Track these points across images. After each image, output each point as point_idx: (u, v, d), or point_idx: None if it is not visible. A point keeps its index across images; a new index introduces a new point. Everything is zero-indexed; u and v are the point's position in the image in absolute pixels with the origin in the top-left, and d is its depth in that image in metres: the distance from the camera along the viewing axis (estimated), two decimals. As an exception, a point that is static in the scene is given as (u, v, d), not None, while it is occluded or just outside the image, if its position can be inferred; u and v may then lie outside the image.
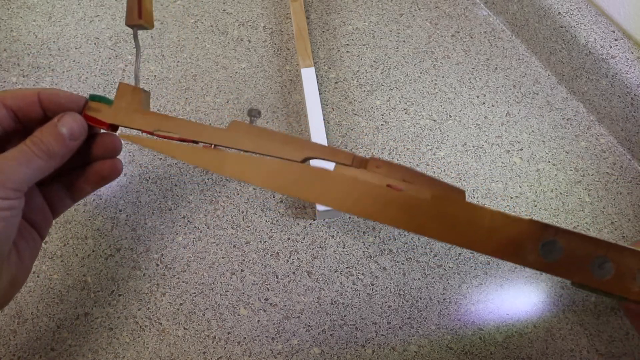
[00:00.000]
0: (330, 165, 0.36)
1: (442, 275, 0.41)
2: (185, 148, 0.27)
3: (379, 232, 0.42)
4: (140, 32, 0.54)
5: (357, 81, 0.51)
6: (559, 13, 0.49)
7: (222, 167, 0.26)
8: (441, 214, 0.24)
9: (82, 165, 0.30)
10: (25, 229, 0.28)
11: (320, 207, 0.41)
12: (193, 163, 0.26)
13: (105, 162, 0.29)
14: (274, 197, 0.44)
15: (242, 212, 0.43)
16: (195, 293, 0.40)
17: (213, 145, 0.28)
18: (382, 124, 0.48)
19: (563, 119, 0.49)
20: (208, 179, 0.45)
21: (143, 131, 0.28)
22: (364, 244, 0.42)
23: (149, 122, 0.28)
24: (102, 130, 0.29)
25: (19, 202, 0.24)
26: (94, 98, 0.28)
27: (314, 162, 0.44)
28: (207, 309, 0.39)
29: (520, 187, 0.45)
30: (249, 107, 0.33)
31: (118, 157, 0.31)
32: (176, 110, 0.49)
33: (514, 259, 0.23)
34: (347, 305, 0.39)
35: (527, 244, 0.23)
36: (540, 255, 0.23)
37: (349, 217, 0.43)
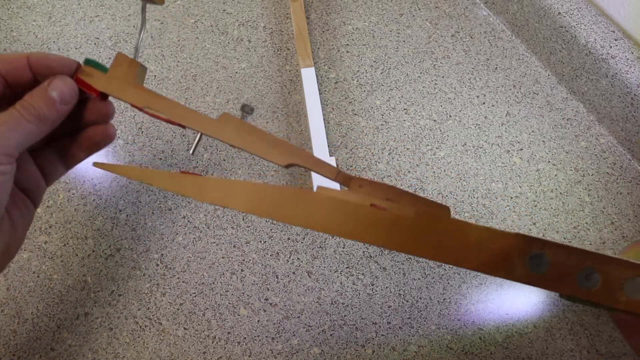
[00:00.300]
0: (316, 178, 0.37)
1: (442, 275, 0.41)
2: (163, 174, 0.26)
3: (379, 232, 0.42)
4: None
5: (357, 81, 0.51)
6: (559, 13, 0.49)
7: (202, 194, 0.25)
8: (426, 231, 0.24)
9: (75, 131, 0.29)
10: (18, 196, 0.27)
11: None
12: (171, 190, 0.26)
13: (97, 128, 0.29)
14: (274, 197, 0.44)
15: (242, 212, 0.43)
16: (195, 293, 0.40)
17: (199, 134, 0.27)
18: (382, 124, 0.48)
19: (563, 119, 0.49)
20: (208, 179, 0.45)
21: (132, 105, 0.27)
22: (364, 244, 0.42)
23: (141, 98, 0.27)
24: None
25: (10, 168, 0.24)
26: (88, 62, 0.27)
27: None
28: (207, 309, 0.39)
29: (520, 187, 0.45)
30: (242, 103, 0.33)
31: (111, 122, 0.31)
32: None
33: (501, 274, 0.23)
34: (347, 305, 0.39)
35: (514, 258, 0.23)
36: (528, 269, 0.23)
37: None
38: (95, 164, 0.28)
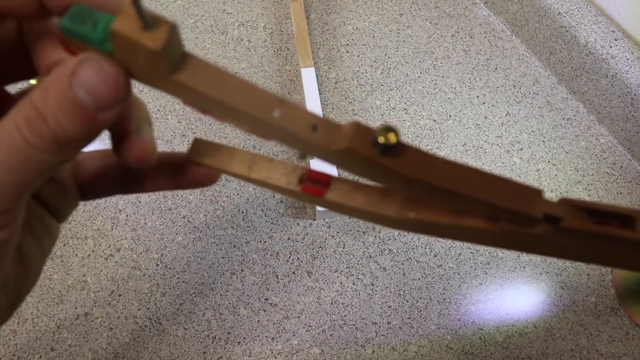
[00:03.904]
0: None
1: (442, 275, 0.41)
2: (279, 187, 0.18)
3: (379, 232, 0.42)
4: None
5: (357, 81, 0.51)
6: (559, 13, 0.49)
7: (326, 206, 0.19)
8: None
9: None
10: (36, 218, 0.18)
11: (320, 207, 0.41)
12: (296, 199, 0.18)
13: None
14: (273, 197, 0.44)
15: (242, 212, 0.43)
16: (195, 293, 0.40)
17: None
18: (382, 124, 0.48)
19: (563, 119, 0.49)
20: (208, 179, 0.45)
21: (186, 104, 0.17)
22: (364, 244, 0.42)
23: (199, 104, 0.16)
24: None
25: (7, 233, 0.14)
26: (69, 33, 0.14)
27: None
28: (207, 309, 0.39)
29: (520, 187, 0.45)
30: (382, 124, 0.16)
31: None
32: (176, 110, 0.49)
33: None
34: (347, 305, 0.39)
35: None
36: None
37: (349, 217, 0.43)
38: (211, 167, 0.19)
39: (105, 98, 0.14)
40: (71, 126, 0.14)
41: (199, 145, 0.19)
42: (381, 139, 0.15)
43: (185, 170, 0.19)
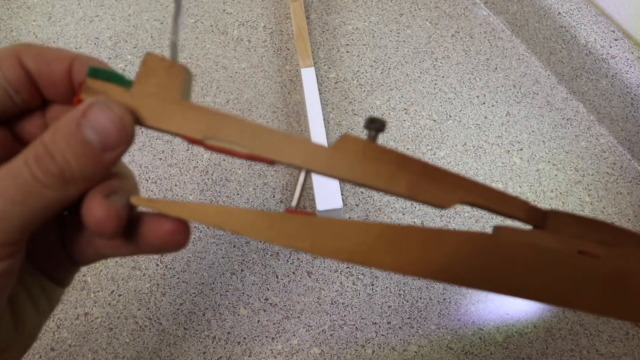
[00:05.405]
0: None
1: (442, 275, 0.41)
2: (248, 215, 0.17)
3: (379, 232, 0.42)
4: (140, 32, 0.54)
5: (357, 81, 0.51)
6: (559, 13, 0.49)
7: (320, 245, 0.17)
8: None
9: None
10: (33, 281, 0.18)
11: (320, 207, 0.41)
12: (278, 243, 0.17)
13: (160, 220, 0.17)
14: (273, 197, 0.44)
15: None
16: (195, 293, 0.40)
17: (304, 173, 0.18)
18: (382, 124, 0.48)
19: (563, 119, 0.49)
20: (208, 179, 0.45)
21: (185, 138, 0.17)
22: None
23: (196, 122, 0.17)
24: None
25: (9, 264, 0.15)
26: (96, 73, 0.17)
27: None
28: (207, 309, 0.39)
29: (520, 187, 0.45)
30: (369, 116, 0.19)
31: None
32: (176, 110, 0.49)
33: None
34: (347, 305, 0.39)
35: None
36: None
37: (349, 216, 0.43)
38: (135, 201, 0.17)
39: (111, 137, 0.15)
40: (77, 163, 0.15)
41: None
42: (372, 120, 0.18)
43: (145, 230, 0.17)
